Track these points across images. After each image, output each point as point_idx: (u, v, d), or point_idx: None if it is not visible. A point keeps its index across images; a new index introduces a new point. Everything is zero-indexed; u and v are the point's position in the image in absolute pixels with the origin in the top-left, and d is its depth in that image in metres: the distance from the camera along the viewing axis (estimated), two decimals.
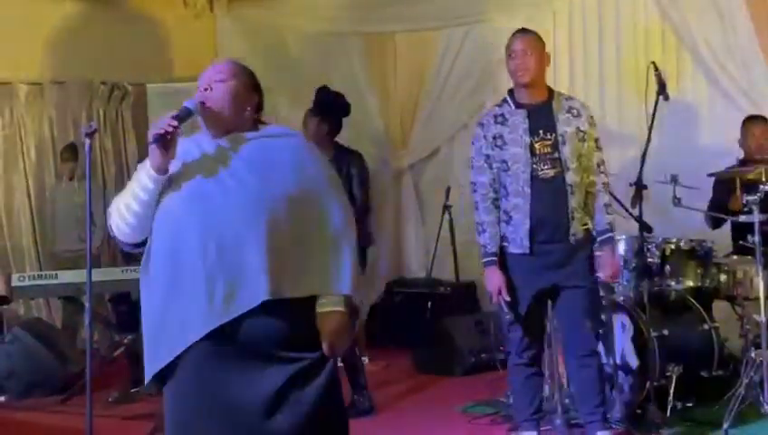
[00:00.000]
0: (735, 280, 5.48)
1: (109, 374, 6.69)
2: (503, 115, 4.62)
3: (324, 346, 2.88)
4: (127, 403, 6.18)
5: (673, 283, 5.60)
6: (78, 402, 5.87)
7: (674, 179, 5.64)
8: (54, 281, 6.57)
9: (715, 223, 6.02)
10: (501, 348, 6.87)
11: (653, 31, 6.94)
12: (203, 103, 2.98)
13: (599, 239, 4.62)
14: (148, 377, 2.91)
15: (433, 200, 8.24)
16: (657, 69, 5.30)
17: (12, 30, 7.84)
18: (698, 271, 5.63)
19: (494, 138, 4.60)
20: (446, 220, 7.64)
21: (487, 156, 4.61)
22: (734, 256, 5.69)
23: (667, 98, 5.31)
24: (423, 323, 7.44)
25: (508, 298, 4.56)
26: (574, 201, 4.54)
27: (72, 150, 7.90)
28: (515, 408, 4.96)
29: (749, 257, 5.35)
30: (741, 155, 6.02)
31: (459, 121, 8.17)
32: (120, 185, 8.66)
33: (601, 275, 4.64)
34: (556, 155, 4.54)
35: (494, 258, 4.59)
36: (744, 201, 5.10)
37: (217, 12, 9.13)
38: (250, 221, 2.83)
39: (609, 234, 4.62)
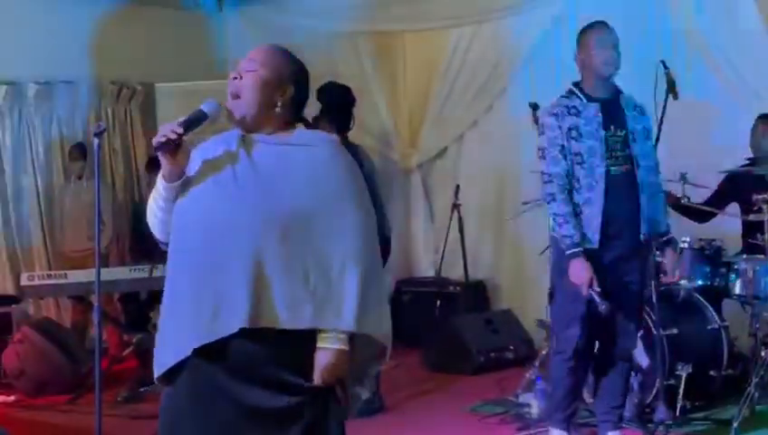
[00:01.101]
0: (745, 279, 5.46)
1: (118, 373, 6.71)
2: (575, 107, 4.55)
3: (315, 378, 2.75)
4: (136, 402, 6.19)
5: (682, 282, 5.58)
6: (87, 401, 5.89)
7: (683, 178, 5.64)
8: (63, 280, 6.59)
9: (702, 218, 6.00)
10: (511, 347, 6.88)
11: (662, 29, 6.91)
12: (227, 107, 2.84)
13: (663, 240, 4.63)
14: (156, 375, 2.86)
15: (442, 199, 8.23)
16: (666, 67, 5.29)
17: (20, 30, 7.85)
18: (708, 270, 5.61)
19: (570, 129, 4.50)
20: (456, 219, 7.64)
21: (562, 146, 4.51)
22: (744, 255, 5.67)
23: (676, 97, 5.30)
24: (432, 323, 7.43)
25: (599, 288, 4.42)
26: (644, 199, 4.53)
27: (80, 150, 7.91)
28: (552, 405, 4.89)
29: (759, 256, 5.33)
30: (750, 154, 5.99)
31: (468, 120, 8.16)
32: (129, 185, 8.75)
33: (670, 276, 4.69)
34: (627, 151, 4.52)
35: (580, 249, 4.46)
36: (755, 199, 5.09)
37: (227, 11, 9.14)
38: (242, 237, 2.69)
39: (671, 235, 4.64)
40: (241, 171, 2.79)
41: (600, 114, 4.52)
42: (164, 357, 2.81)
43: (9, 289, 7.84)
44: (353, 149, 5.84)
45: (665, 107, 5.24)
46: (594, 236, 4.47)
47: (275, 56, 2.90)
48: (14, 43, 7.81)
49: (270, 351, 2.72)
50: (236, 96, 2.84)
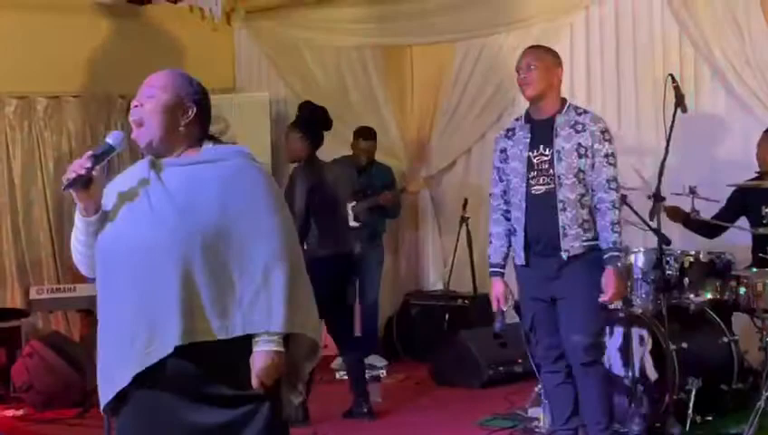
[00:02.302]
0: (755, 293, 5.42)
1: None
2: (513, 130, 4.72)
3: (253, 381, 2.80)
4: None
5: (692, 295, 5.58)
6: (96, 415, 5.87)
7: (692, 191, 5.63)
8: (72, 294, 6.61)
9: (713, 233, 6.00)
10: (518, 361, 6.87)
11: (670, 43, 6.91)
12: (133, 136, 2.90)
13: (604, 258, 4.53)
14: (101, 408, 2.91)
15: (450, 212, 8.23)
16: (674, 81, 5.29)
17: (30, 44, 7.88)
18: (717, 284, 5.60)
19: (501, 151, 4.72)
20: (464, 232, 7.64)
21: (498, 168, 4.73)
22: (754, 269, 5.65)
23: (685, 110, 5.31)
24: (441, 336, 7.42)
25: (504, 308, 4.74)
26: (567, 217, 4.52)
27: None
28: (551, 416, 4.99)
29: None
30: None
31: (476, 134, 8.15)
32: None
33: (603, 296, 4.52)
34: (551, 171, 4.54)
35: (496, 269, 4.73)
36: (764, 213, 5.07)
37: (235, 25, 9.17)
38: (166, 259, 2.74)
39: (614, 253, 4.50)
40: (155, 198, 2.84)
41: (528, 136, 4.62)
42: (105, 389, 2.86)
43: (18, 303, 7.85)
44: (311, 166, 5.95)
45: (673, 120, 5.25)
46: (520, 253, 4.64)
47: (174, 79, 2.97)
48: (25, 58, 7.84)
49: (208, 367, 2.79)
50: (140, 124, 2.90)
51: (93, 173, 2.83)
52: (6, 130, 8.10)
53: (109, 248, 2.85)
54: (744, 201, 5.85)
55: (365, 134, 7.84)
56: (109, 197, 2.90)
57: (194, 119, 2.92)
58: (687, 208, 5.76)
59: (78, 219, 2.90)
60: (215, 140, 3.01)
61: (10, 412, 6.53)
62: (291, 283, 2.82)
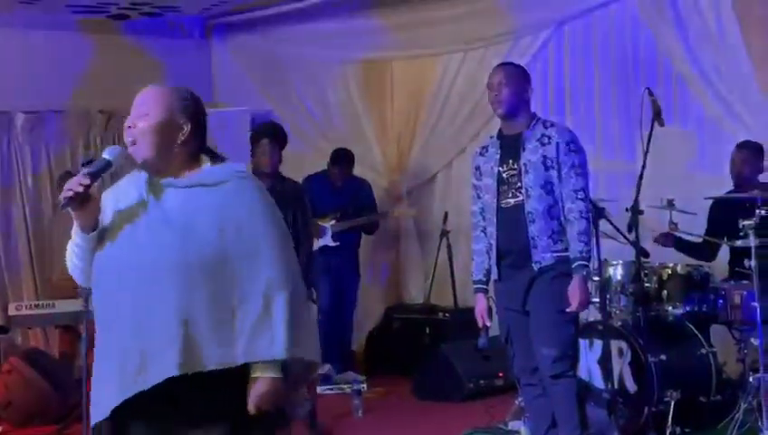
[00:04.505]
0: (733, 305, 5.46)
1: None
2: (486, 147, 4.77)
3: (250, 407, 2.77)
4: None
5: (670, 308, 5.61)
6: (75, 432, 5.85)
7: (670, 204, 5.66)
8: (52, 310, 6.55)
9: (712, 254, 6.00)
10: (500, 374, 6.87)
11: (648, 57, 6.96)
12: (129, 152, 2.84)
13: (572, 267, 4.54)
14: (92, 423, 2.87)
15: (431, 226, 8.24)
16: (651, 94, 5.32)
17: (9, 59, 7.87)
18: (695, 296, 5.63)
19: (476, 169, 4.78)
20: (445, 246, 7.65)
21: (475, 186, 4.79)
22: (732, 281, 5.68)
23: (662, 124, 5.34)
24: (422, 350, 7.43)
25: (489, 323, 4.76)
26: (536, 228, 4.55)
27: (68, 179, 7.89)
28: (529, 429, 5.05)
29: (745, 282, 5.34)
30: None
31: (457, 147, 8.18)
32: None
33: (568, 305, 4.53)
34: (519, 184, 4.58)
35: (479, 286, 4.77)
36: (741, 226, 5.10)
37: (214, 39, 9.16)
38: (162, 285, 2.69)
39: (580, 262, 4.52)
40: (154, 222, 2.79)
41: (498, 152, 4.67)
42: (94, 411, 2.82)
43: None
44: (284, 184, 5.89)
45: (650, 134, 5.28)
46: (494, 268, 4.70)
47: (164, 96, 2.88)
48: (3, 73, 7.82)
49: (200, 393, 2.74)
50: (135, 144, 2.84)
51: (90, 190, 2.78)
52: None
53: (106, 269, 2.81)
54: (719, 215, 5.87)
55: (334, 158, 7.83)
56: (106, 212, 2.85)
57: (189, 135, 2.85)
58: (665, 221, 5.79)
59: (75, 234, 2.86)
60: (212, 154, 2.93)
61: None
62: (292, 308, 2.76)
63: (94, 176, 2.79)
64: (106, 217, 2.85)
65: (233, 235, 2.75)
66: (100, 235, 2.83)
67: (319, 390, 7.15)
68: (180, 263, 2.71)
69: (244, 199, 2.83)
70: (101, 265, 2.83)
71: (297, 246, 5.56)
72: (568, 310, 4.52)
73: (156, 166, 2.84)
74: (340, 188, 7.82)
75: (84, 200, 2.78)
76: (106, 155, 2.85)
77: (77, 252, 2.88)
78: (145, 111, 2.84)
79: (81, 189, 2.75)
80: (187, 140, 2.85)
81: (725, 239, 5.53)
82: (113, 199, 2.89)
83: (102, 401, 2.77)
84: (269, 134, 6.10)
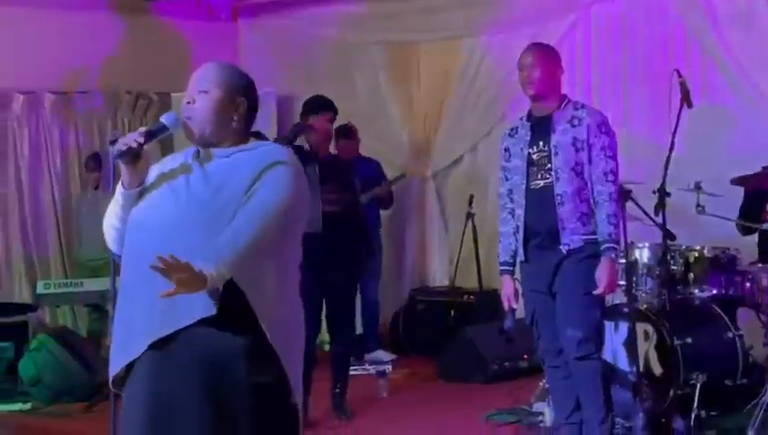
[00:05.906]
0: (760, 288, 5.43)
1: None
2: (516, 129, 4.74)
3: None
4: None
5: (696, 291, 5.58)
6: (102, 409, 5.91)
7: (697, 187, 5.61)
8: (80, 289, 6.63)
9: (746, 229, 5.96)
10: (524, 356, 6.88)
11: (676, 38, 6.91)
12: (185, 121, 2.89)
13: (600, 250, 4.52)
14: (110, 379, 2.92)
15: (456, 208, 8.24)
16: (680, 76, 5.28)
17: (38, 40, 7.91)
18: (722, 279, 5.60)
19: (505, 150, 4.75)
20: (470, 228, 7.64)
21: (503, 168, 4.76)
22: (759, 264, 5.65)
23: (690, 105, 5.29)
24: (446, 331, 7.43)
25: (515, 306, 4.75)
26: (565, 211, 4.53)
27: (96, 160, 7.96)
28: (553, 411, 5.00)
29: None
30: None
31: (482, 130, 8.17)
32: None
33: (596, 288, 4.52)
34: (549, 165, 4.57)
35: (505, 268, 4.75)
36: None
37: (241, 22, 9.18)
38: (189, 238, 2.74)
39: (609, 244, 4.51)
40: (194, 180, 2.87)
41: (529, 134, 4.64)
42: (117, 359, 2.87)
43: (26, 297, 7.88)
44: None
45: (679, 115, 5.24)
46: (520, 250, 4.67)
47: (223, 73, 2.94)
48: (32, 54, 7.87)
49: (223, 338, 2.76)
50: (190, 119, 2.90)
51: (144, 148, 2.86)
52: (14, 126, 8.13)
53: (140, 219, 2.88)
54: (757, 196, 5.78)
55: (341, 132, 7.52)
56: (151, 176, 2.94)
57: (243, 115, 2.93)
58: (692, 204, 5.75)
59: (118, 192, 2.92)
60: (260, 137, 3.02)
61: (17, 406, 6.55)
62: (254, 243, 2.74)
63: (150, 135, 2.87)
64: (150, 181, 2.93)
65: (250, 190, 2.80)
66: (140, 193, 2.91)
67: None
68: (208, 218, 2.77)
69: (273, 162, 2.85)
70: (136, 214, 2.90)
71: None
72: (595, 292, 4.51)
73: (211, 139, 2.91)
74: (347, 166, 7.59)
75: (136, 156, 2.86)
76: (163, 119, 2.93)
77: (118, 213, 2.94)
78: (205, 88, 2.90)
79: (134, 145, 2.82)
80: (242, 116, 2.94)
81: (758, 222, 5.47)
82: (159, 168, 2.97)
83: (132, 344, 2.80)
84: (335, 109, 5.92)
